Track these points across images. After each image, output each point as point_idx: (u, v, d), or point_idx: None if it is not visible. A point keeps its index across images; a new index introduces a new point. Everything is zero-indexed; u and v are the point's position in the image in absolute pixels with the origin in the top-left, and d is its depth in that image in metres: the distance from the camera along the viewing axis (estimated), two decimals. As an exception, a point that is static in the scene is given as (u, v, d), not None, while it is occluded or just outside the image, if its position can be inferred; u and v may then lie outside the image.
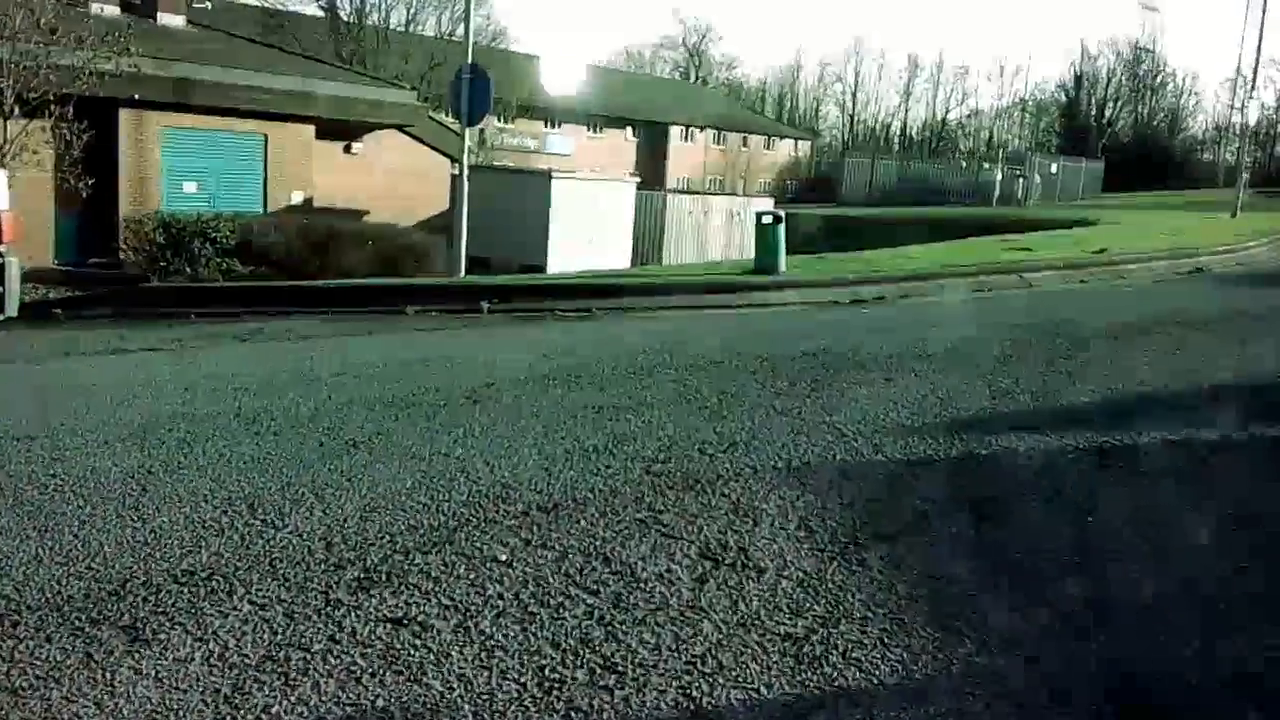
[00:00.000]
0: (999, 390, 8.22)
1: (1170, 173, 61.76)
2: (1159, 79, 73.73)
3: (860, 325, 12.84)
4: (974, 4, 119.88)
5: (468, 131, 18.37)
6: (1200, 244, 21.06)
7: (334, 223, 22.29)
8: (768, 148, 68.44)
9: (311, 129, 25.34)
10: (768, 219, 15.96)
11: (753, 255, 16.92)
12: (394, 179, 26.52)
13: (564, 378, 8.52)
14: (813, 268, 16.58)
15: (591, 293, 14.30)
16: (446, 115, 31.18)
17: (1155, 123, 73.40)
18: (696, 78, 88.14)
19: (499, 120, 42.48)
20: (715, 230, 29.08)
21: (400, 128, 26.74)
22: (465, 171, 18.30)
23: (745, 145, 66.58)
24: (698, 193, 34.45)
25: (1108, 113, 72.34)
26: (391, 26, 40.40)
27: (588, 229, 25.01)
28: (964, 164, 50.10)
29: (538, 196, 24.61)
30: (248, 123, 24.25)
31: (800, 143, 72.59)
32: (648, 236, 27.81)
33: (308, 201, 25.96)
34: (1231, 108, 73.01)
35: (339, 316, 13.94)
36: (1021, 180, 44.51)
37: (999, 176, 45.10)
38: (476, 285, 15.15)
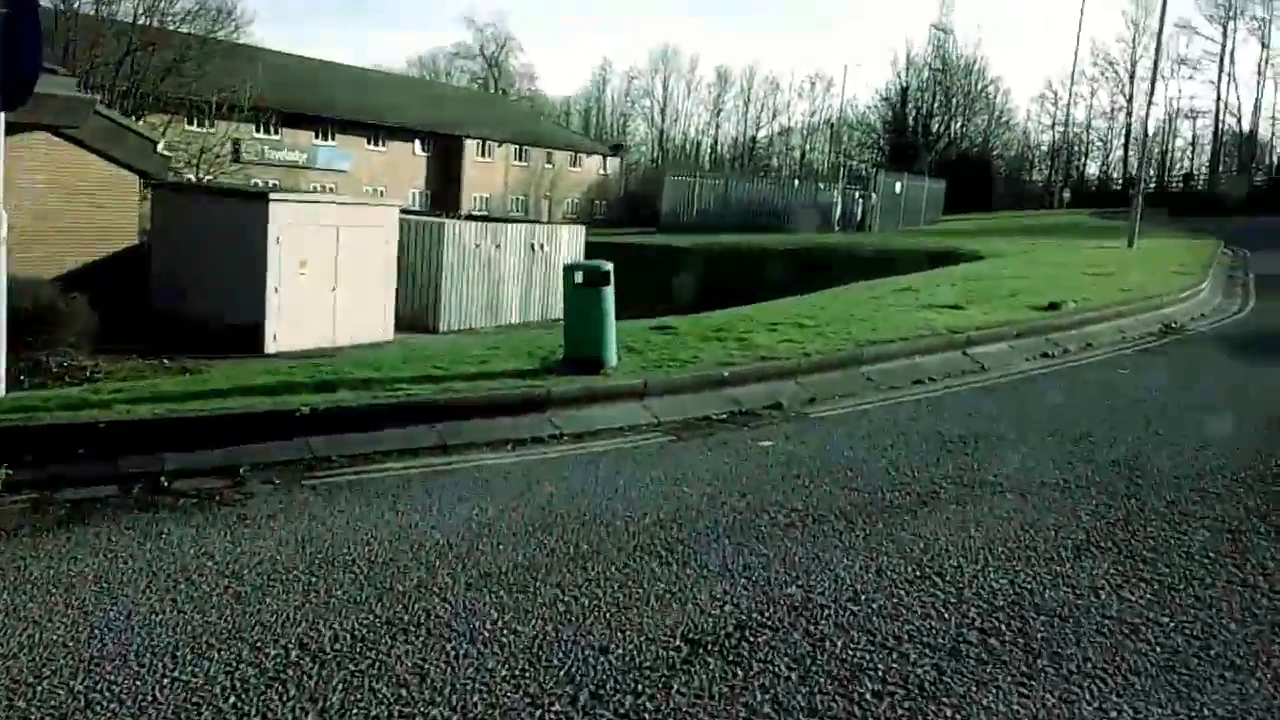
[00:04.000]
0: None
1: (1002, 192, 59.40)
2: (982, 91, 71.95)
3: (781, 500, 6.34)
4: (785, 18, 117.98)
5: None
6: (1152, 291, 15.80)
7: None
8: (574, 165, 62.13)
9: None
10: (586, 276, 9.27)
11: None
12: (46, 203, 18.40)
13: None
14: (660, 353, 9.99)
15: (232, 432, 7.22)
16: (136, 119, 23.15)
17: (983, 141, 71.52)
18: (496, 89, 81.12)
19: (199, 120, 33.32)
20: (512, 271, 22.29)
21: (55, 129, 18.60)
22: None
23: (550, 162, 60.03)
24: (489, 219, 27.46)
25: (935, 127, 69.84)
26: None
27: (327, 274, 17.74)
28: (797, 184, 45.13)
29: (251, 227, 17.12)
30: None
31: (609, 160, 66.65)
32: (419, 282, 20.74)
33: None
34: (1053, 126, 72.17)
35: None
36: (862, 202, 39.70)
37: (838, 198, 40.16)
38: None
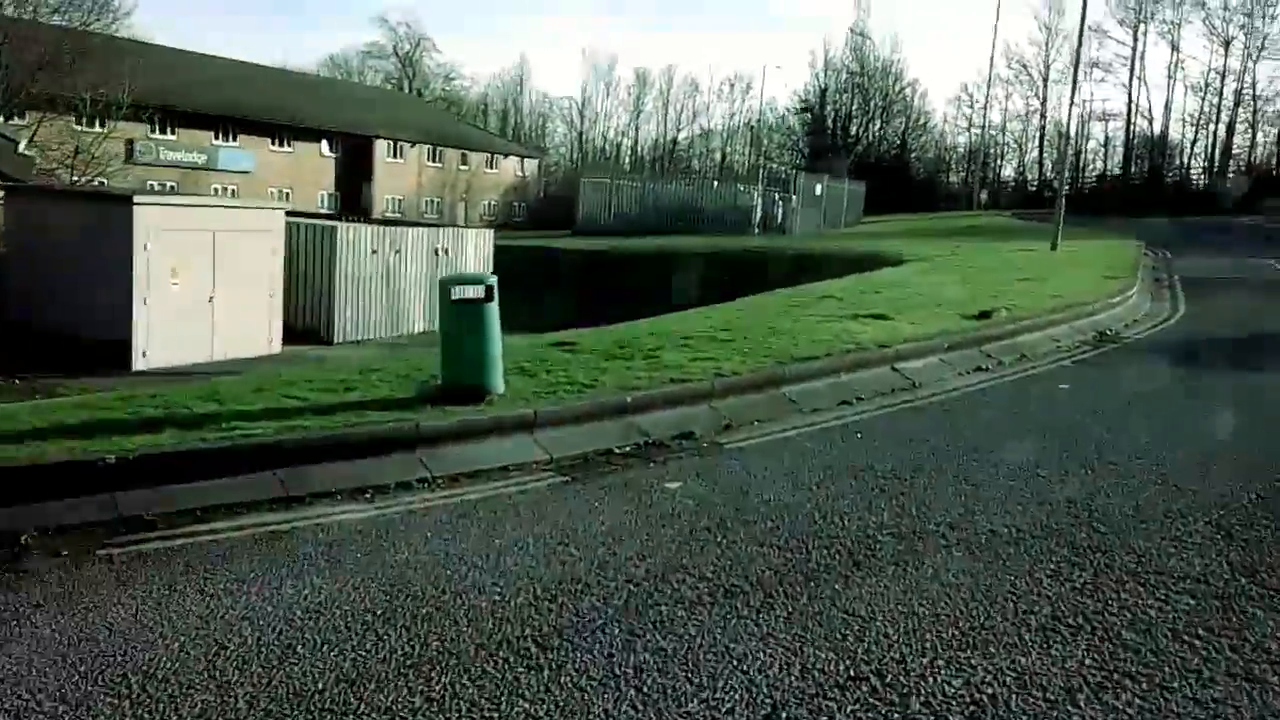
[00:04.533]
0: None
1: (922, 194, 59.40)
2: (899, 93, 72.03)
3: (687, 564, 5.22)
4: (702, 19, 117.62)
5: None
6: (1084, 298, 15.10)
7: None
8: (491, 166, 60.53)
9: None
10: (465, 292, 8.05)
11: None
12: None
13: None
14: (557, 375, 8.81)
15: (16, 488, 5.88)
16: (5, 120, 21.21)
17: (901, 143, 71.55)
18: (411, 89, 78.97)
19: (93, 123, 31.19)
20: (415, 278, 20.89)
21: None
22: None
23: (465, 163, 58.34)
24: (395, 222, 25.92)
25: (853, 129, 69.66)
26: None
27: (204, 283, 16.20)
28: (716, 185, 44.19)
29: (115, 233, 15.50)
30: None
31: (527, 161, 65.15)
32: (312, 291, 19.24)
33: None
34: (969, 128, 72.70)
35: None
36: (783, 204, 38.87)
37: (758, 200, 39.28)
38: None
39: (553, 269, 25.26)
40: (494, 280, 8.00)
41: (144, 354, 15.80)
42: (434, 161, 56.76)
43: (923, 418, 8.97)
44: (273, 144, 48.56)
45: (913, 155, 72.81)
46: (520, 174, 63.35)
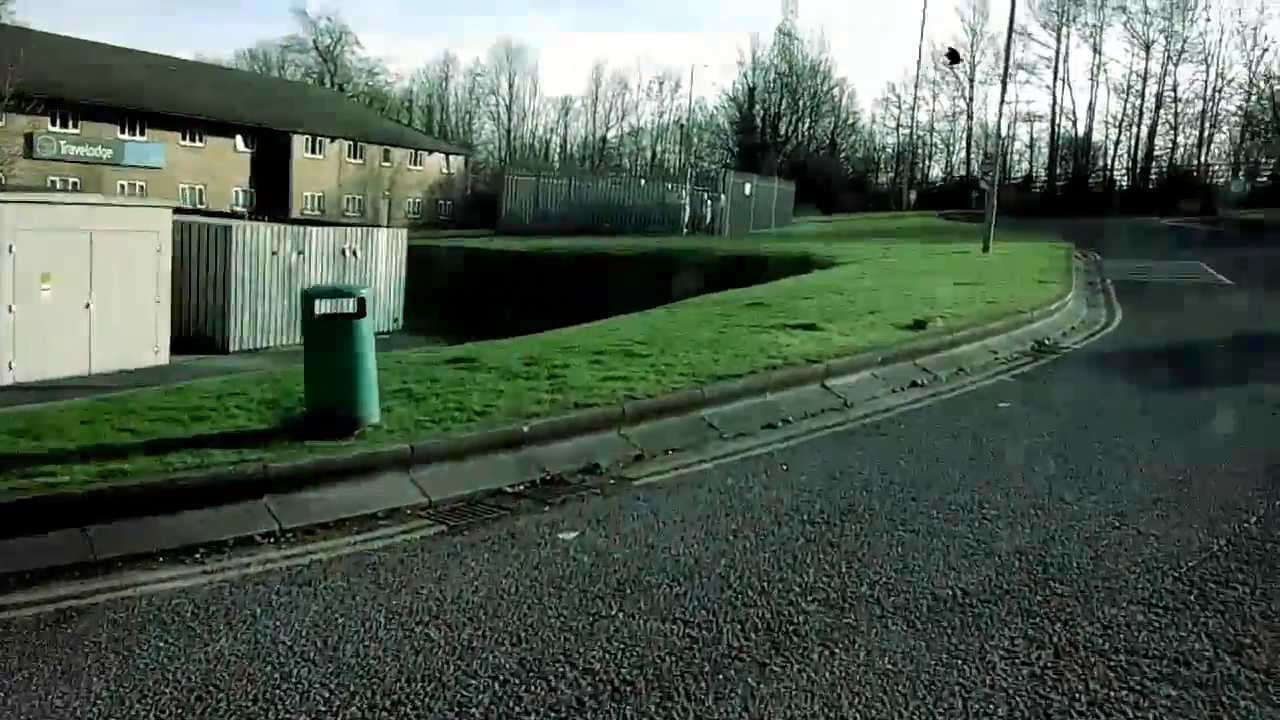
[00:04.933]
0: None
1: (852, 194, 59.17)
2: (828, 92, 71.81)
3: (569, 650, 4.25)
4: (631, 18, 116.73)
5: None
6: (1021, 304, 14.46)
7: None
8: (415, 163, 58.84)
9: None
10: (333, 305, 6.97)
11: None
12: None
13: None
14: (448, 398, 7.76)
15: None
16: None
17: (830, 143, 71.33)
18: (332, 84, 76.74)
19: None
20: (319, 280, 19.58)
21: None
22: None
23: (388, 160, 56.62)
24: (303, 221, 24.54)
25: (783, 128, 69.19)
26: None
27: (79, 289, 14.81)
28: (644, 184, 43.22)
29: (-26, 234, 14.06)
30: None
31: (453, 158, 63.53)
32: (205, 296, 17.89)
33: None
34: (898, 128, 72.82)
35: None
36: (711, 204, 38.04)
37: (687, 199, 38.38)
38: None
39: (470, 271, 24.09)
40: (366, 292, 6.93)
41: (10, 366, 14.37)
42: (355, 158, 54.99)
43: (855, 445, 8.11)
44: (184, 139, 46.50)
45: (842, 155, 72.69)
46: (446, 171, 61.77)
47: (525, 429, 7.14)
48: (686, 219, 37.77)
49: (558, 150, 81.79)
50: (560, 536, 5.83)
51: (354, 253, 20.19)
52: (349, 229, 21.56)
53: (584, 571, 5.32)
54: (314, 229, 20.50)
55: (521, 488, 6.69)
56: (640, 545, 5.71)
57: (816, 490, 6.80)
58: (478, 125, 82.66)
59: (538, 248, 27.80)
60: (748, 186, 41.12)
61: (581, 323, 12.98)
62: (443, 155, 62.74)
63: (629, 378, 8.65)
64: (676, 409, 8.25)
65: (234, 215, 27.02)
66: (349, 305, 6.90)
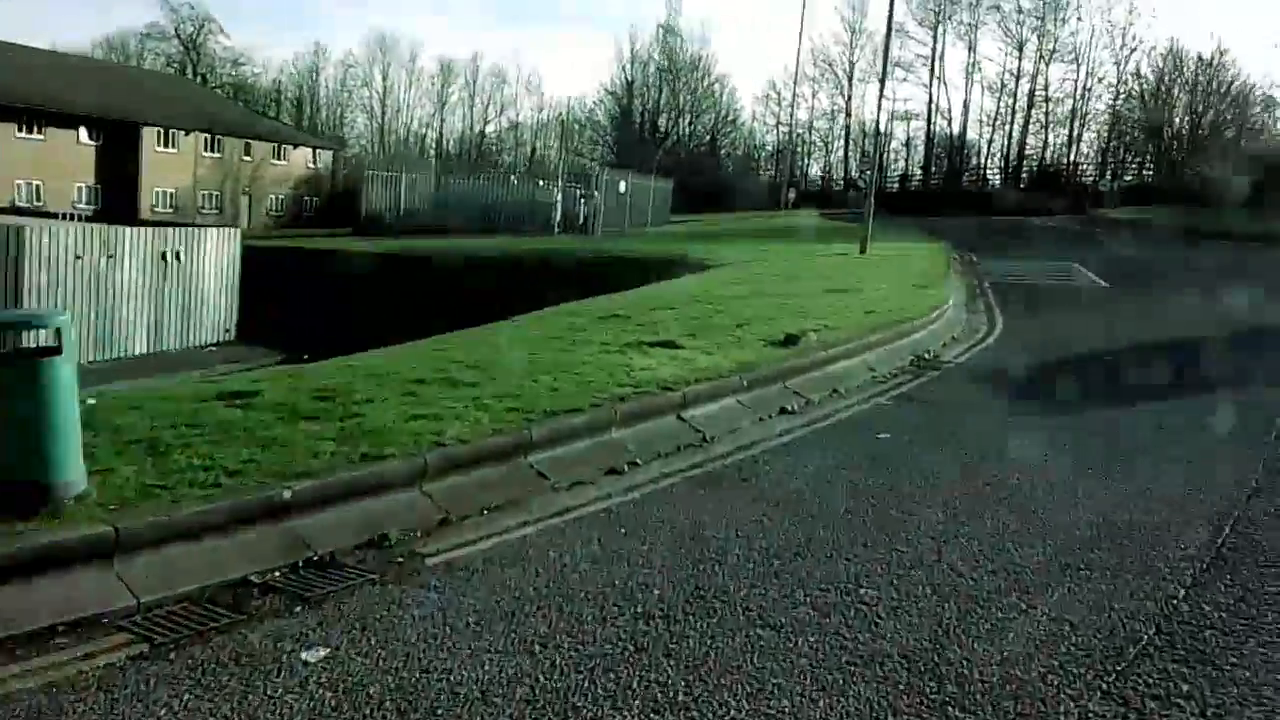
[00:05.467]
0: None
1: (731, 192, 58.45)
2: (709, 88, 71.11)
3: None
4: (508, 9, 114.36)
5: None
6: (900, 314, 13.47)
7: None
8: (279, 157, 55.72)
9: None
10: (16, 339, 5.26)
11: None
12: None
13: None
14: (196, 453, 6.11)
15: None
16: None
17: (710, 140, 70.60)
18: (195, 75, 72.61)
19: None
20: (135, 289, 17.44)
21: None
22: None
23: (248, 154, 53.43)
24: (151, 222, 22.15)
25: (662, 124, 68.09)
26: None
27: None
28: (515, 181, 41.45)
29: None
30: None
31: (321, 152, 60.51)
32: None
33: None
34: (778, 125, 72.61)
35: None
36: (585, 202, 36.56)
37: (559, 197, 36.80)
38: None
39: (315, 277, 22.11)
40: (65, 319, 5.27)
41: None
42: (213, 151, 51.69)
43: (712, 495, 6.78)
44: (20, 130, 42.79)
45: (723, 153, 72.15)
46: (312, 166, 58.74)
47: (288, 494, 5.57)
48: (558, 218, 36.22)
49: (434, 145, 79.24)
50: (302, 658, 4.31)
51: (176, 256, 18.06)
52: (171, 230, 19.25)
53: (321, 716, 3.82)
54: (127, 230, 18.20)
55: (274, 576, 5.14)
56: (412, 667, 4.24)
57: (659, 565, 5.44)
58: (350, 119, 79.58)
59: (395, 249, 25.79)
60: (623, 184, 39.78)
61: (428, 335, 11.47)
62: (310, 150, 59.67)
63: (443, 416, 7.12)
64: (498, 456, 6.78)
65: (48, 214, 24.40)
66: (44, 338, 5.22)
